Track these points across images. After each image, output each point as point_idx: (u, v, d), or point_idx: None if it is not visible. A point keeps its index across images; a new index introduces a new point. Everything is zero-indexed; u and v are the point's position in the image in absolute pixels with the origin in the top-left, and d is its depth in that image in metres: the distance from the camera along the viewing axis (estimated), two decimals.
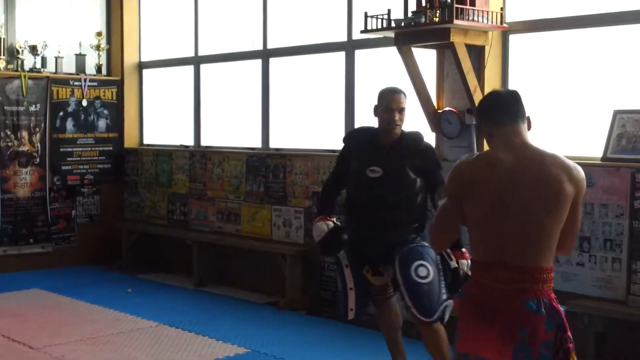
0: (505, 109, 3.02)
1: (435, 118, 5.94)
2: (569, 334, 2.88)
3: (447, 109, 5.88)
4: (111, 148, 9.16)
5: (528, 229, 2.87)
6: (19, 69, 8.45)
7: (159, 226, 8.71)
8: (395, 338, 4.69)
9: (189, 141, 8.65)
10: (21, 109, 8.42)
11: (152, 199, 8.87)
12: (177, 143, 8.80)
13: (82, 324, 6.32)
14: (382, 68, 6.67)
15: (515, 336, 2.83)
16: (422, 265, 4.29)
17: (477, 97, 5.60)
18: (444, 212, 3.12)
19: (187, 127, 8.67)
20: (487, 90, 5.73)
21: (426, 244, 4.42)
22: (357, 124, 6.80)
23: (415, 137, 4.56)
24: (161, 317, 6.49)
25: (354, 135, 4.81)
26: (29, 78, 8.46)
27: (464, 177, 2.99)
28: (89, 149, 8.98)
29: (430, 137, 6.07)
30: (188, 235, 8.12)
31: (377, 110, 4.56)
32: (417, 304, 4.24)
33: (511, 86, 5.84)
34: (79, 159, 8.89)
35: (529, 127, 3.03)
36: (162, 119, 9.21)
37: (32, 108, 8.51)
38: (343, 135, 6.85)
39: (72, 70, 8.96)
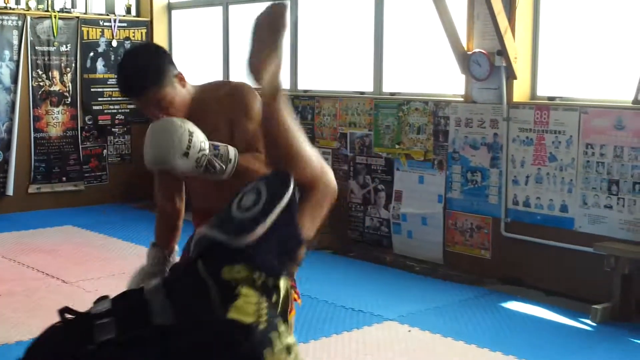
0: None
1: (464, 60, 5.90)
2: None
3: (476, 50, 5.84)
4: None
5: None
6: (50, 8, 8.46)
7: None
8: None
9: None
10: (52, 49, 8.47)
11: None
12: None
13: (114, 260, 6.47)
14: (411, 10, 6.61)
15: None
16: None
17: (508, 39, 5.55)
18: None
19: (216, 69, 8.68)
20: (518, 31, 5.67)
21: None
22: (385, 66, 6.78)
23: None
24: None
25: None
26: (59, 18, 8.48)
27: None
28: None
29: (459, 79, 6.06)
30: None
31: None
32: None
33: (543, 29, 5.77)
34: (109, 99, 8.96)
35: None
36: (192, 60, 9.21)
37: (63, 48, 8.56)
38: (372, 77, 6.86)
39: (102, 10, 8.96)
